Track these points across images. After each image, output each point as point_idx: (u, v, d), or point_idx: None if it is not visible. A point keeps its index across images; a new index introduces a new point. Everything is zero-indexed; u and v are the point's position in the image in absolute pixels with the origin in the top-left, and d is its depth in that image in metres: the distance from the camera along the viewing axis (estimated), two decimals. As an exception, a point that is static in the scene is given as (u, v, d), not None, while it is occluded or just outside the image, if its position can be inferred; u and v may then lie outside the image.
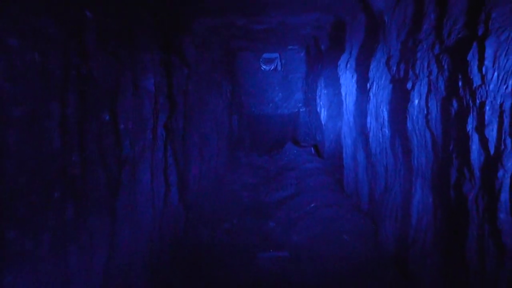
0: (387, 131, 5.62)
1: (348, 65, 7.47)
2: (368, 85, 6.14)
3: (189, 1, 6.03)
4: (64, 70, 2.78)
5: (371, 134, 6.25)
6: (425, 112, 4.27)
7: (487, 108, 3.06)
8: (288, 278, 5.22)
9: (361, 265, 5.42)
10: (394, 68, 5.14)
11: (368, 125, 6.30)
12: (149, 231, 4.70)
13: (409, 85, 4.59)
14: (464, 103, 3.44)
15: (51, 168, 2.63)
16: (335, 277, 5.15)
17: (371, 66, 5.98)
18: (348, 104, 7.70)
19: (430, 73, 4.15)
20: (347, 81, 7.58)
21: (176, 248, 5.79)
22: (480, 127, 3.16)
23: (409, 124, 4.63)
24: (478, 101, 3.19)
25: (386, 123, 5.62)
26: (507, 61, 2.86)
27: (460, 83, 3.48)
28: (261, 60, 14.56)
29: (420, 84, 4.36)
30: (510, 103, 2.85)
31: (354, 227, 6.38)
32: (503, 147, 2.90)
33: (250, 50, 13.61)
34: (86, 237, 3.14)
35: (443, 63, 3.85)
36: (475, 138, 3.27)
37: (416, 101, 4.45)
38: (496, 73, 2.96)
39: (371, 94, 6.05)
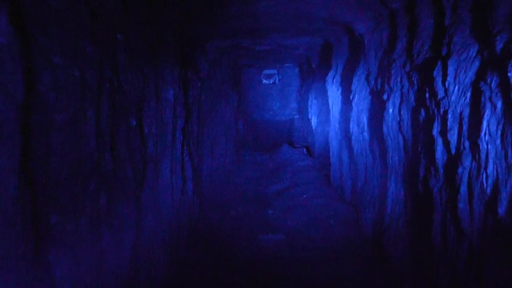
0: (366, 135, 5.62)
1: (334, 80, 7.48)
2: (351, 96, 6.15)
3: (204, 26, 6.05)
4: (99, 83, 2.79)
5: (353, 137, 6.25)
6: (398, 119, 4.27)
7: (449, 116, 3.06)
8: (283, 255, 5.22)
9: (345, 245, 5.42)
10: (373, 82, 5.14)
11: (351, 129, 6.30)
12: (169, 217, 4.70)
13: (385, 97, 4.59)
14: (430, 111, 3.44)
15: (88, 164, 2.64)
16: (322, 255, 5.15)
17: (354, 81, 5.98)
18: (334, 112, 7.70)
19: (402, 86, 4.15)
20: (334, 93, 7.59)
21: (191, 231, 5.80)
22: (444, 132, 3.17)
23: (384, 129, 4.63)
24: (442, 110, 3.19)
25: (366, 128, 5.62)
26: (465, 77, 2.87)
27: (427, 95, 3.48)
28: (262, 75, 14.57)
29: (394, 96, 4.36)
30: (468, 112, 2.86)
31: (339, 214, 6.38)
32: (462, 148, 2.90)
33: (253, 67, 13.63)
34: (116, 222, 3.14)
35: (413, 79, 3.85)
36: (439, 141, 3.28)
37: (391, 110, 4.45)
38: (456, 87, 2.97)
39: (353, 104, 6.05)
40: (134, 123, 3.53)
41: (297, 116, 14.70)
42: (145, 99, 3.82)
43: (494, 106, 2.51)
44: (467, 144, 2.85)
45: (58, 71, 2.26)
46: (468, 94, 2.85)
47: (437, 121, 3.29)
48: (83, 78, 2.55)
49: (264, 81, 14.70)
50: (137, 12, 3.66)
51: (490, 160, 2.55)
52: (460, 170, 2.91)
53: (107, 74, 2.95)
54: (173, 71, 4.76)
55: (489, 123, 2.55)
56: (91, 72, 2.66)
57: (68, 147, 2.38)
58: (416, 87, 3.84)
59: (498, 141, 2.48)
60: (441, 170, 3.29)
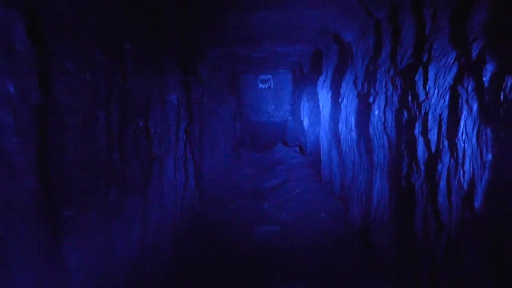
0: (354, 135, 5.63)
1: (325, 84, 7.49)
2: (340, 99, 6.16)
3: (204, 35, 6.05)
4: (108, 87, 2.79)
5: (342, 137, 6.26)
6: (383, 120, 4.29)
7: (430, 117, 3.08)
8: (279, 245, 5.23)
9: (334, 236, 5.44)
10: (360, 87, 5.16)
11: (340, 130, 6.32)
12: (172, 210, 4.70)
13: (371, 100, 4.60)
14: (412, 113, 3.46)
15: (98, 162, 2.64)
16: (314, 245, 5.16)
17: (342, 85, 6.00)
18: (324, 114, 7.72)
19: (387, 90, 4.16)
20: (324, 96, 7.61)
21: (193, 224, 5.80)
22: (424, 132, 3.18)
23: (370, 129, 4.65)
24: (423, 112, 3.21)
25: (353, 128, 5.64)
26: (444, 81, 2.88)
27: (409, 98, 3.50)
28: (258, 80, 14.59)
29: (379, 99, 4.38)
30: (447, 113, 2.87)
31: (329, 208, 6.39)
32: (441, 147, 2.92)
33: (250, 73, 13.62)
34: (125, 215, 3.15)
35: (396, 83, 3.87)
36: (420, 140, 3.29)
37: (376, 112, 4.47)
38: (436, 90, 2.98)
39: (342, 106, 6.07)
40: (141, 124, 3.53)
41: (290, 118, 14.72)
42: (150, 102, 3.81)
43: (470, 108, 2.53)
44: (446, 143, 2.87)
45: (71, 76, 2.26)
46: (447, 97, 2.87)
47: (419, 122, 3.31)
48: (94, 83, 2.55)
49: (260, 85, 14.71)
50: (143, 22, 3.66)
51: (467, 158, 2.57)
52: (439, 167, 2.92)
53: (116, 79, 2.95)
54: (176, 76, 4.76)
55: (466, 123, 2.57)
56: (101, 77, 2.66)
57: (80, 146, 2.38)
58: (399, 91, 3.85)
59: (474, 140, 2.50)
60: (422, 167, 3.31)
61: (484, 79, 2.35)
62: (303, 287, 4.06)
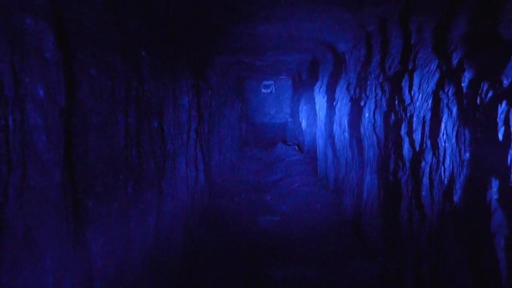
0: (347, 135, 5.63)
1: (321, 89, 7.49)
2: (334, 103, 6.16)
3: (212, 44, 6.05)
4: (127, 91, 2.81)
5: (336, 137, 6.26)
6: (373, 121, 4.29)
7: (414, 119, 3.08)
8: (279, 233, 5.25)
9: (329, 226, 5.45)
10: (352, 91, 5.16)
11: (334, 130, 6.31)
12: (184, 202, 4.72)
13: (362, 103, 4.60)
14: (399, 115, 3.46)
15: (118, 159, 2.66)
16: (311, 233, 5.17)
17: (337, 90, 5.99)
18: (320, 116, 7.71)
19: (376, 95, 4.16)
20: (320, 100, 7.60)
21: (203, 214, 5.82)
22: (410, 132, 3.18)
23: (362, 130, 4.65)
24: (408, 114, 3.21)
25: (346, 129, 5.64)
26: (427, 86, 2.88)
27: (396, 102, 3.50)
28: (261, 85, 14.58)
29: (370, 103, 4.38)
30: (430, 115, 2.88)
31: (324, 200, 6.40)
32: (424, 146, 2.92)
33: (254, 79, 13.61)
34: (141, 206, 3.16)
35: (385, 88, 3.87)
36: (406, 140, 3.29)
37: (367, 114, 4.47)
38: (420, 95, 2.99)
39: (336, 109, 6.07)
40: (156, 125, 3.55)
41: (290, 120, 14.70)
42: (164, 104, 3.83)
43: (450, 111, 2.53)
44: (428, 142, 2.87)
45: (94, 81, 2.28)
46: (430, 101, 2.87)
47: (405, 123, 3.31)
48: (114, 87, 2.57)
49: (263, 90, 14.70)
50: (158, 33, 3.68)
51: (447, 156, 2.57)
52: (423, 164, 2.93)
53: (134, 84, 2.96)
54: (187, 81, 4.77)
55: (447, 125, 2.57)
56: (120, 82, 2.67)
57: (102, 145, 2.40)
58: (387, 95, 3.85)
59: (454, 140, 2.50)
60: (407, 164, 3.31)
61: (463, 85, 2.36)
62: (300, 270, 4.07)
